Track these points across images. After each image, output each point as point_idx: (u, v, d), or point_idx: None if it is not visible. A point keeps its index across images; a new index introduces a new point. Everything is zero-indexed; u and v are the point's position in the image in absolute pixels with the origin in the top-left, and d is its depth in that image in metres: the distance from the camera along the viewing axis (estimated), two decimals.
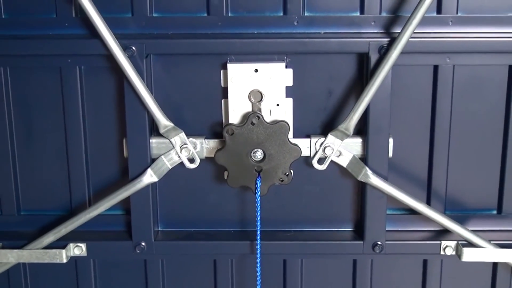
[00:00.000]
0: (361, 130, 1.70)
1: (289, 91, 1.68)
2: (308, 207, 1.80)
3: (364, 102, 1.62)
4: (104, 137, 1.75)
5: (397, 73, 1.66)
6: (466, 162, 1.75)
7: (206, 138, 1.71)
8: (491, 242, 1.73)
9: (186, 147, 1.68)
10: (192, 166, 1.69)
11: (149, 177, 1.69)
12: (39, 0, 1.65)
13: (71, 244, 1.77)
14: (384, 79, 1.61)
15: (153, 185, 1.73)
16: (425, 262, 1.82)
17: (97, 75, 1.70)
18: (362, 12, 1.64)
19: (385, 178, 1.69)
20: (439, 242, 1.75)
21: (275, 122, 1.65)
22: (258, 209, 1.67)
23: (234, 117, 1.68)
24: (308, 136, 1.70)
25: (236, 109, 1.67)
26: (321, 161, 1.68)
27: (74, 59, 1.67)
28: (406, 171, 1.76)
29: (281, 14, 1.65)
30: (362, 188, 1.75)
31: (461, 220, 1.76)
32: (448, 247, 1.75)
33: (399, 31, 1.58)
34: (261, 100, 1.66)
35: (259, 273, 1.69)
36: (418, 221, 1.79)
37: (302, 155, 1.67)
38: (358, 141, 1.69)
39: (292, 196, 1.79)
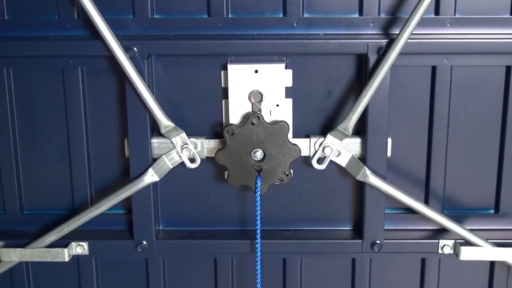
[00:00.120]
0: (360, 130, 1.70)
1: (289, 92, 1.68)
2: (308, 206, 1.80)
3: (363, 103, 1.62)
4: (106, 137, 1.75)
5: (396, 74, 1.66)
6: (464, 162, 1.75)
7: (206, 138, 1.71)
8: (489, 241, 1.73)
9: (187, 147, 1.68)
10: (193, 165, 1.70)
11: (150, 176, 1.70)
12: (42, 2, 1.65)
13: (73, 243, 1.77)
14: (383, 80, 1.61)
15: (154, 184, 1.73)
16: (423, 260, 1.83)
17: (99, 75, 1.70)
18: (361, 13, 1.65)
19: (383, 178, 1.69)
20: (437, 241, 1.76)
21: (275, 122, 1.65)
22: (258, 208, 1.67)
23: (235, 118, 1.68)
24: (307, 136, 1.71)
25: (237, 109, 1.68)
26: (320, 160, 1.69)
27: (76, 60, 1.68)
28: (405, 170, 1.76)
29: (281, 15, 1.65)
30: (361, 187, 1.75)
31: (459, 219, 1.76)
32: (446, 246, 1.75)
33: (398, 32, 1.59)
34: (261, 100, 1.66)
35: (259, 272, 1.69)
36: (416, 220, 1.79)
37: (301, 155, 1.68)
38: (357, 141, 1.70)
39: (291, 195, 1.79)
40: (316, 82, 1.70)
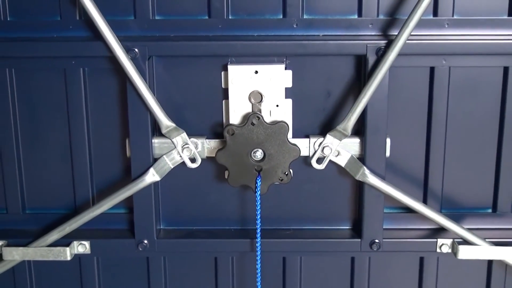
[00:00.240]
0: (359, 130, 1.70)
1: (289, 92, 1.69)
2: (307, 205, 1.81)
3: (362, 103, 1.63)
4: (107, 137, 1.75)
5: (394, 75, 1.66)
6: (462, 162, 1.76)
7: (207, 138, 1.71)
8: (486, 240, 1.73)
9: (188, 147, 1.69)
10: (194, 165, 1.70)
11: (151, 176, 1.70)
12: (44, 3, 1.65)
13: (75, 242, 1.77)
14: (382, 81, 1.61)
15: (155, 184, 1.73)
16: (421, 259, 1.83)
17: (101, 76, 1.70)
18: (360, 14, 1.65)
19: (382, 178, 1.69)
20: (435, 240, 1.76)
21: (275, 123, 1.66)
22: (258, 207, 1.68)
23: (235, 118, 1.69)
24: (307, 136, 1.71)
25: (237, 109, 1.68)
26: (320, 160, 1.69)
27: (78, 61, 1.68)
28: (403, 170, 1.77)
29: (281, 16, 1.65)
30: (360, 187, 1.75)
31: (457, 218, 1.76)
32: (444, 245, 1.75)
33: (396, 34, 1.59)
34: (261, 101, 1.67)
35: (259, 271, 1.69)
36: (415, 220, 1.79)
37: (301, 155, 1.68)
38: (356, 141, 1.70)
39: (291, 195, 1.79)
40: (316, 83, 1.70)
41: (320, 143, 1.68)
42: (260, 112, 1.67)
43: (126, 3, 1.65)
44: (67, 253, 1.74)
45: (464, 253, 1.72)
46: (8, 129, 1.74)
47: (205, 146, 1.71)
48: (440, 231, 1.78)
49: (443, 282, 1.85)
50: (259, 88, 1.66)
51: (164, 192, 1.80)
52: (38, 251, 1.75)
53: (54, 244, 1.76)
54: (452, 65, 1.67)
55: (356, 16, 1.65)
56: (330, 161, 1.70)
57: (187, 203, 1.81)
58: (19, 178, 1.79)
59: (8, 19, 1.68)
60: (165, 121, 1.67)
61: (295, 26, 1.65)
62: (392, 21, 1.65)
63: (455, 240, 1.75)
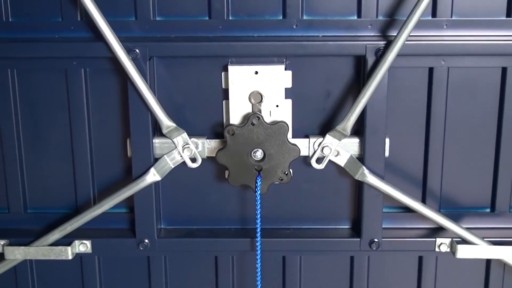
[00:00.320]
0: (358, 130, 1.71)
1: (288, 93, 1.69)
2: (307, 205, 1.81)
3: (361, 103, 1.63)
4: (108, 137, 1.75)
5: (393, 75, 1.67)
6: (460, 162, 1.76)
7: (207, 138, 1.72)
8: (485, 239, 1.73)
9: (188, 147, 1.69)
10: (194, 165, 1.71)
11: (152, 176, 1.71)
12: (45, 4, 1.66)
13: (76, 241, 1.77)
14: (381, 81, 1.61)
15: (156, 184, 1.74)
16: (420, 258, 1.83)
17: (102, 77, 1.70)
18: (359, 15, 1.65)
19: (381, 177, 1.70)
20: (434, 239, 1.76)
21: (275, 123, 1.66)
22: (258, 207, 1.68)
23: (235, 118, 1.69)
24: (306, 136, 1.72)
25: (237, 110, 1.68)
26: (319, 160, 1.70)
27: (79, 61, 1.68)
28: (402, 170, 1.77)
29: (281, 17, 1.66)
30: (359, 187, 1.75)
31: (455, 218, 1.76)
32: (442, 244, 1.75)
33: (395, 34, 1.59)
34: (261, 101, 1.68)
35: (259, 270, 1.70)
36: (414, 219, 1.79)
37: (301, 154, 1.68)
38: (355, 141, 1.70)
39: (291, 194, 1.80)
40: (315, 83, 1.71)
41: (320, 143, 1.69)
42: (260, 112, 1.67)
43: (127, 4, 1.66)
44: (68, 253, 1.75)
45: (463, 252, 1.73)
46: (10, 129, 1.75)
47: (205, 146, 1.71)
48: (438, 230, 1.78)
49: (442, 281, 1.85)
50: (259, 89, 1.67)
51: (165, 191, 1.80)
52: (39, 251, 1.76)
53: (56, 243, 1.76)
54: (450, 66, 1.68)
55: (355, 17, 1.66)
56: (330, 161, 1.70)
57: (187, 203, 1.82)
58: (21, 178, 1.79)
59: (10, 20, 1.68)
60: (165, 121, 1.68)
61: (295, 27, 1.66)
62: (391, 22, 1.65)
63: (454, 239, 1.75)
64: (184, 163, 1.71)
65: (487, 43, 1.63)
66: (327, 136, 1.67)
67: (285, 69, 1.68)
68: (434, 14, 1.65)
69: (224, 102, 1.72)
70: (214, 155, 1.70)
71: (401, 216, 1.81)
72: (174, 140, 1.69)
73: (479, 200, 1.80)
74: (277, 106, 1.68)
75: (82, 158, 1.77)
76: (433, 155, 1.75)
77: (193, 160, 1.71)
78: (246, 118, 1.66)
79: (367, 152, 1.69)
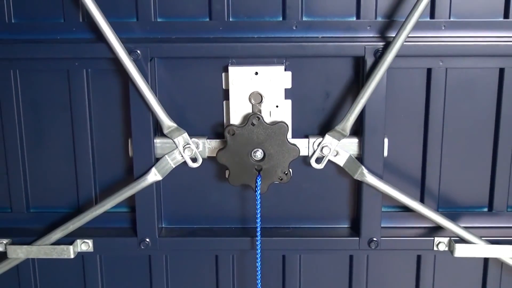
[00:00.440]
0: (357, 130, 1.71)
1: (288, 93, 1.69)
2: (307, 204, 1.81)
3: (360, 104, 1.63)
4: (110, 137, 1.75)
5: (392, 76, 1.67)
6: (458, 161, 1.76)
7: (208, 138, 1.72)
8: (482, 238, 1.74)
9: (189, 147, 1.70)
10: (195, 165, 1.71)
11: (153, 176, 1.71)
12: (48, 6, 1.66)
13: (78, 240, 1.77)
14: (380, 82, 1.62)
15: (157, 183, 1.74)
16: (419, 257, 1.83)
17: (104, 77, 1.71)
18: (358, 17, 1.65)
19: (380, 177, 1.70)
20: (432, 238, 1.76)
21: (275, 123, 1.67)
22: (258, 206, 1.69)
23: (235, 118, 1.70)
24: (306, 136, 1.72)
25: (237, 110, 1.69)
26: (318, 160, 1.70)
27: (81, 62, 1.68)
28: (401, 170, 1.78)
29: (280, 19, 1.66)
30: (358, 186, 1.76)
31: (453, 217, 1.77)
32: (441, 243, 1.76)
33: (394, 35, 1.59)
34: (261, 101, 1.68)
35: (259, 268, 1.70)
36: (412, 218, 1.80)
37: (300, 154, 1.69)
38: (354, 141, 1.71)
39: (291, 194, 1.80)
40: (315, 84, 1.71)
41: (319, 143, 1.69)
42: (260, 112, 1.68)
43: (129, 6, 1.66)
44: (70, 251, 1.75)
45: (461, 251, 1.73)
46: (13, 129, 1.75)
47: (206, 146, 1.72)
48: (437, 229, 1.78)
49: (440, 279, 1.85)
50: (259, 89, 1.67)
51: (166, 191, 1.81)
52: (42, 249, 1.76)
53: (58, 242, 1.76)
54: (448, 67, 1.68)
55: (354, 18, 1.66)
56: (329, 160, 1.70)
57: (188, 202, 1.82)
58: (24, 177, 1.80)
59: (13, 21, 1.68)
60: (166, 122, 1.68)
61: (294, 28, 1.67)
62: (390, 23, 1.66)
63: (452, 238, 1.75)
64: (185, 163, 1.72)
65: (485, 44, 1.64)
66: (327, 136, 1.68)
67: (285, 70, 1.68)
68: (432, 15, 1.65)
69: (224, 102, 1.72)
70: (214, 155, 1.70)
71: (400, 216, 1.82)
72: (175, 140, 1.70)
73: (477, 200, 1.80)
74: (277, 106, 1.69)
75: (84, 158, 1.77)
76: (431, 155, 1.75)
77: (194, 160, 1.71)
78: (246, 118, 1.67)
79: (366, 152, 1.70)
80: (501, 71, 1.69)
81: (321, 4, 1.66)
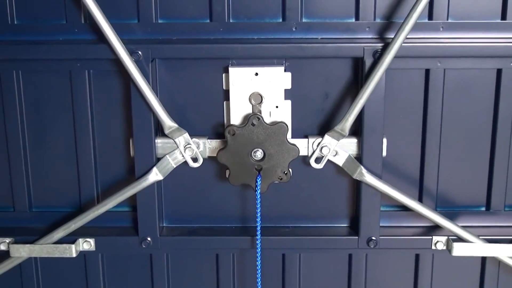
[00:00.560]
0: (356, 130, 1.72)
1: (288, 94, 1.70)
2: (306, 204, 1.82)
3: (359, 104, 1.64)
4: (112, 137, 1.76)
5: (391, 77, 1.68)
6: (456, 161, 1.77)
7: (208, 138, 1.73)
8: (480, 237, 1.74)
9: (190, 147, 1.70)
10: (196, 165, 1.72)
11: (155, 175, 1.72)
12: (50, 7, 1.66)
13: (80, 239, 1.78)
14: (378, 82, 1.62)
15: (158, 183, 1.74)
16: (417, 256, 1.83)
17: (105, 78, 1.71)
18: (357, 18, 1.66)
19: (379, 177, 1.71)
20: (431, 237, 1.77)
21: (275, 123, 1.68)
22: (258, 206, 1.69)
23: (236, 119, 1.70)
24: (306, 136, 1.72)
25: (237, 110, 1.70)
26: (318, 160, 1.71)
27: (83, 63, 1.69)
28: (399, 169, 1.78)
29: (280, 20, 1.67)
30: (357, 186, 1.76)
31: (451, 216, 1.77)
32: (439, 242, 1.76)
33: (393, 37, 1.60)
34: (261, 102, 1.69)
35: (259, 267, 1.70)
36: (411, 218, 1.80)
37: (300, 154, 1.69)
38: (353, 141, 1.71)
39: (290, 193, 1.81)
40: (314, 85, 1.72)
41: (319, 143, 1.70)
42: (260, 113, 1.69)
43: (130, 7, 1.67)
44: (72, 250, 1.76)
45: (459, 250, 1.73)
46: (15, 129, 1.76)
47: (206, 146, 1.72)
48: (435, 228, 1.79)
49: (438, 278, 1.86)
50: (259, 90, 1.68)
51: (167, 190, 1.81)
52: (44, 248, 1.77)
53: (60, 241, 1.77)
54: (446, 67, 1.68)
55: (353, 20, 1.67)
56: (328, 160, 1.71)
57: (189, 202, 1.83)
58: (26, 177, 1.80)
59: (15, 22, 1.69)
60: (168, 122, 1.69)
61: (294, 29, 1.67)
62: (388, 24, 1.66)
63: (450, 237, 1.76)
64: (185, 162, 1.72)
65: (483, 45, 1.64)
66: (326, 136, 1.69)
67: (285, 70, 1.69)
68: (430, 17, 1.66)
69: (224, 103, 1.73)
70: (215, 155, 1.71)
71: (398, 215, 1.82)
72: (176, 140, 1.70)
73: (475, 199, 1.81)
74: (276, 107, 1.70)
75: (86, 157, 1.78)
76: (429, 155, 1.76)
77: (195, 159, 1.72)
78: (247, 118, 1.68)
79: (365, 152, 1.70)
80: (499, 71, 1.70)
81: (321, 6, 1.67)
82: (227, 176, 1.74)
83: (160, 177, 1.73)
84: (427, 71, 1.70)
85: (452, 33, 1.67)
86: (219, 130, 1.76)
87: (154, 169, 1.72)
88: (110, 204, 1.74)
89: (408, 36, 1.60)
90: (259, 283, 1.72)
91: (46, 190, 1.83)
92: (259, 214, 1.70)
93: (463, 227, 1.75)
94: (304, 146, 1.72)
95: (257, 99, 1.69)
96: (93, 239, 1.79)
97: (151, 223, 1.78)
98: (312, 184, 1.80)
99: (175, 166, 1.74)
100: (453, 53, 1.66)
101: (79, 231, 1.78)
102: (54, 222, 1.83)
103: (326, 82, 1.72)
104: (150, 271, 1.87)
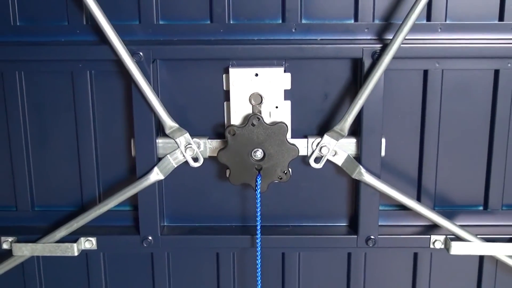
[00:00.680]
0: (355, 130, 1.72)
1: (288, 94, 1.70)
2: (306, 203, 1.82)
3: (358, 105, 1.65)
4: (113, 137, 1.77)
5: (389, 77, 1.68)
6: (454, 161, 1.77)
7: (209, 138, 1.73)
8: (478, 236, 1.75)
9: (191, 146, 1.71)
10: (196, 164, 1.72)
11: (156, 175, 1.72)
12: (52, 8, 1.67)
13: (82, 238, 1.79)
14: (377, 83, 1.63)
15: (159, 182, 1.75)
16: (415, 255, 1.84)
17: (107, 79, 1.72)
18: (356, 19, 1.67)
19: (378, 176, 1.71)
20: (429, 236, 1.77)
21: (274, 123, 1.69)
22: (258, 205, 1.70)
23: (236, 119, 1.71)
24: (305, 136, 1.73)
25: (238, 111, 1.70)
26: (317, 160, 1.71)
27: (85, 64, 1.69)
28: (398, 169, 1.79)
29: (280, 21, 1.67)
30: (356, 185, 1.77)
31: (449, 215, 1.78)
32: (437, 241, 1.77)
33: (391, 38, 1.61)
34: (261, 102, 1.70)
35: (259, 266, 1.71)
36: (409, 217, 1.81)
37: (299, 154, 1.70)
38: (352, 141, 1.72)
39: (290, 193, 1.81)
40: (314, 85, 1.72)
41: (318, 143, 1.70)
42: (260, 113, 1.69)
43: (131, 9, 1.67)
44: (74, 249, 1.76)
45: (457, 249, 1.74)
46: (18, 129, 1.76)
47: (207, 146, 1.73)
48: (433, 227, 1.79)
49: (436, 276, 1.86)
50: (259, 90, 1.69)
51: (168, 190, 1.82)
52: (46, 247, 1.77)
53: (62, 240, 1.77)
54: (445, 68, 1.69)
55: (352, 21, 1.67)
56: (328, 160, 1.71)
57: (190, 201, 1.83)
58: (28, 176, 1.81)
59: (18, 24, 1.70)
60: (168, 122, 1.70)
61: (293, 30, 1.68)
62: (387, 25, 1.67)
63: (448, 236, 1.76)
64: (186, 162, 1.73)
65: (480, 46, 1.65)
66: (325, 137, 1.69)
67: (285, 71, 1.70)
68: (429, 18, 1.67)
69: (225, 103, 1.74)
70: (215, 155, 1.72)
71: (397, 214, 1.82)
72: (177, 140, 1.71)
73: (473, 198, 1.81)
74: (276, 107, 1.70)
75: (88, 157, 1.78)
76: (428, 155, 1.76)
77: (195, 159, 1.73)
78: (247, 119, 1.69)
79: (364, 151, 1.71)
80: (496, 72, 1.71)
81: (320, 7, 1.67)
82: (227, 175, 1.74)
83: (161, 176, 1.74)
84: (426, 72, 1.71)
85: (450, 34, 1.67)
86: (220, 130, 1.76)
87: (155, 169, 1.73)
88: (111, 203, 1.75)
89: (406, 37, 1.61)
90: (259, 282, 1.72)
91: (48, 189, 1.83)
92: (259, 214, 1.71)
93: (461, 226, 1.76)
94: (303, 146, 1.72)
95: (257, 99, 1.70)
96: (95, 238, 1.80)
97: (152, 222, 1.79)
98: (312, 184, 1.81)
99: (176, 166, 1.74)
100: (451, 54, 1.66)
101: (81, 230, 1.78)
102: (56, 221, 1.84)
103: (326, 83, 1.73)
104: (151, 270, 1.88)
